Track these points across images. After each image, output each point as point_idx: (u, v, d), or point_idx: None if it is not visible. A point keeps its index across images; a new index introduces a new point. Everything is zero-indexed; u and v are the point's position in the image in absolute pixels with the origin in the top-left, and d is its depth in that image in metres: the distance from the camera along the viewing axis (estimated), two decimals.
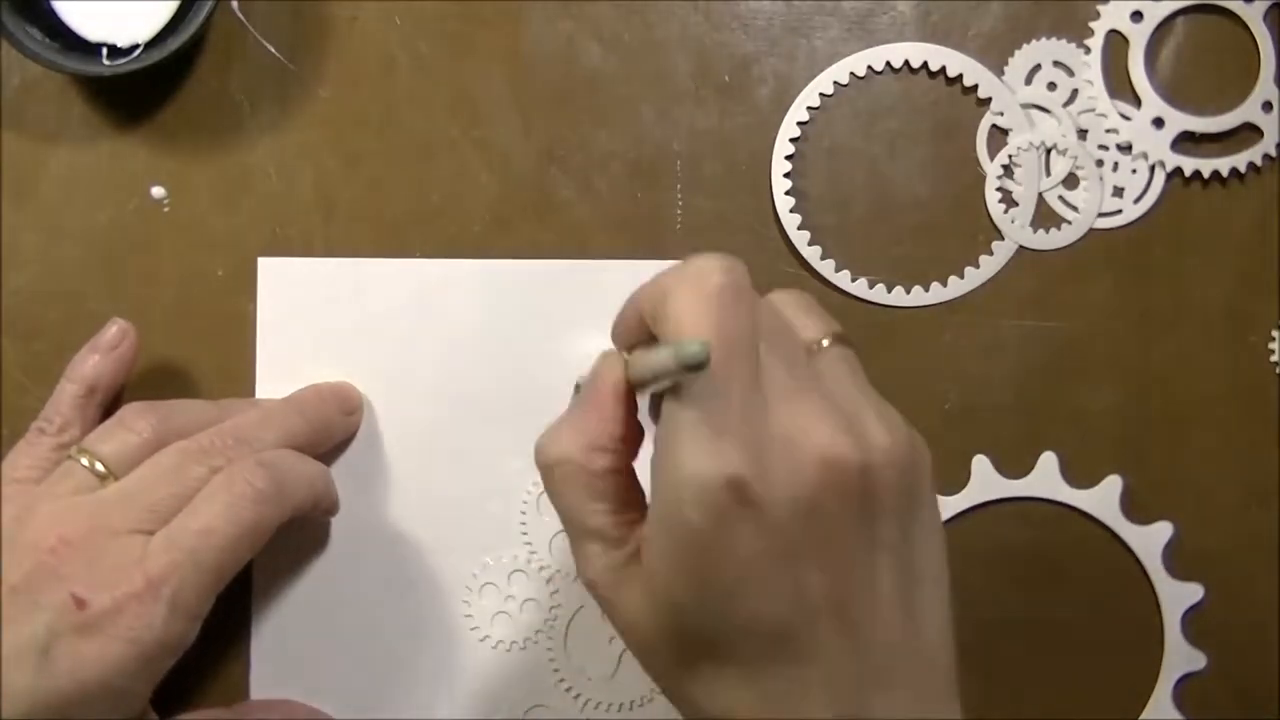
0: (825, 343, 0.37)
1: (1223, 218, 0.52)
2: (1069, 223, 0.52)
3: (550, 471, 0.37)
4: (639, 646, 0.37)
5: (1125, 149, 0.52)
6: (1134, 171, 0.52)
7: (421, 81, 0.51)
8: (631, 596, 0.36)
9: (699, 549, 0.33)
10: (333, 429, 0.49)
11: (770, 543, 0.33)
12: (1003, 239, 0.52)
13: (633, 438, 0.37)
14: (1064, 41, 0.52)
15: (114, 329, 0.48)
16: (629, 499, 0.37)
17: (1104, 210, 0.52)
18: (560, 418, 0.37)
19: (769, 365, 0.35)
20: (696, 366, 0.32)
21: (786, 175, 0.51)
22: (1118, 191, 0.52)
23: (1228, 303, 0.52)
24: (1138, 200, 0.52)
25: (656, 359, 0.34)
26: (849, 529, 0.34)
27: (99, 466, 0.44)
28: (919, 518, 0.36)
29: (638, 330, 0.37)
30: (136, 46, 0.48)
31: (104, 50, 0.48)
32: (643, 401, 0.37)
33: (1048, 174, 0.52)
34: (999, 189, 0.52)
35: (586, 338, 0.51)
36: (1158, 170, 0.52)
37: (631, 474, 0.37)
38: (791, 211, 0.51)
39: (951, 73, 0.52)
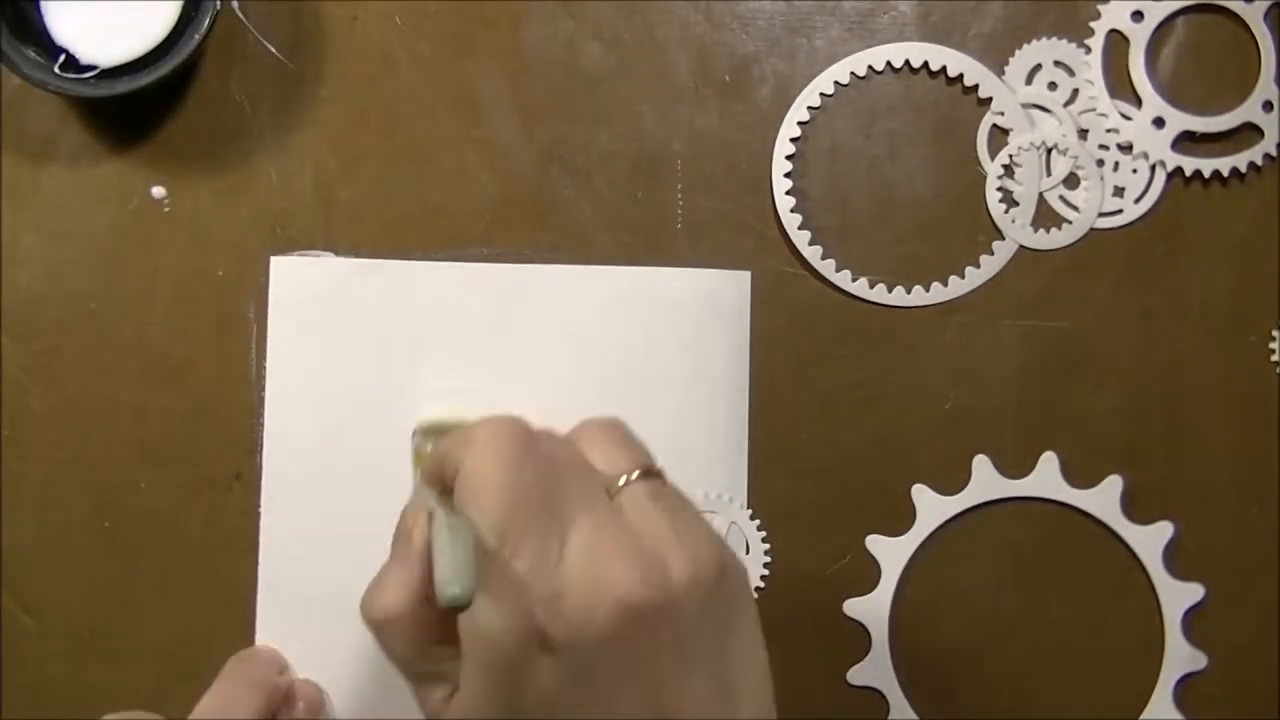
0: (634, 475, 0.37)
1: (1223, 218, 0.52)
2: (1069, 222, 0.52)
3: (381, 630, 0.38)
4: None
5: (1126, 149, 0.52)
6: (1134, 171, 0.52)
7: (421, 81, 0.51)
8: None
9: (506, 695, 0.35)
10: (279, 692, 0.49)
11: (575, 679, 0.35)
12: (1003, 239, 0.52)
13: None
14: (1064, 41, 0.52)
15: None
16: (455, 639, 0.38)
17: (1104, 210, 0.52)
18: (381, 573, 0.39)
19: (570, 510, 0.36)
20: (456, 609, 0.35)
21: (787, 175, 0.51)
22: (1118, 191, 0.52)
23: (1228, 303, 0.52)
24: (1138, 200, 0.52)
25: (434, 556, 0.36)
26: (657, 658, 0.35)
27: None
28: (734, 633, 0.37)
29: (441, 478, 0.38)
30: (130, 64, 0.48)
31: (97, 69, 0.48)
32: None
33: (1048, 174, 0.52)
34: (999, 189, 0.52)
35: (593, 340, 0.51)
36: (1158, 170, 0.52)
37: None
38: (792, 211, 0.51)
39: (952, 73, 0.52)
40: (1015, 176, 0.52)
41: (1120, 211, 0.52)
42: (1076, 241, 0.52)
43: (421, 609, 0.37)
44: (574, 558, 0.35)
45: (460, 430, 0.37)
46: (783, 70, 0.52)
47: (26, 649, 0.50)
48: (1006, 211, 0.52)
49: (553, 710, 0.35)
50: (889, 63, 0.52)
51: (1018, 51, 0.52)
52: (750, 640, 0.38)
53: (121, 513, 0.50)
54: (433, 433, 0.48)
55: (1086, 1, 0.52)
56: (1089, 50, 0.52)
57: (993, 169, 0.52)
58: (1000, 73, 0.52)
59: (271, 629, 0.50)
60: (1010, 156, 0.52)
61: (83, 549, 0.50)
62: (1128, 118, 0.52)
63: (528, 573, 0.35)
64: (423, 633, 0.38)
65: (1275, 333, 0.52)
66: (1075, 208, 0.52)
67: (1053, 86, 0.52)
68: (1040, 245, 0.52)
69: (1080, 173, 0.52)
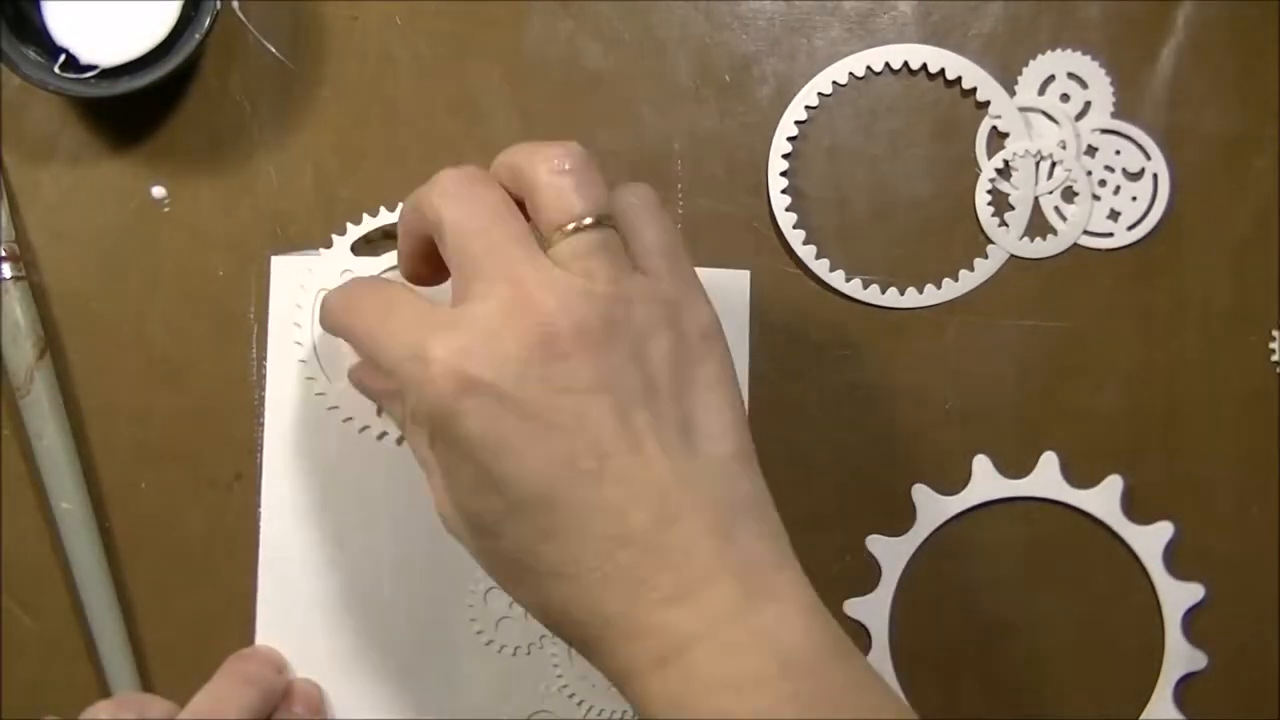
0: (573, 226, 0.37)
1: (1223, 218, 0.52)
2: (1055, 234, 0.52)
3: None
4: (470, 550, 0.39)
5: (1132, 175, 0.52)
6: (1134, 199, 0.52)
7: (421, 81, 0.51)
8: (445, 510, 0.39)
9: (446, 440, 0.37)
10: (276, 691, 0.48)
11: (502, 412, 0.36)
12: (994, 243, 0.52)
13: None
14: (1078, 54, 0.52)
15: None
16: None
17: (1096, 230, 0.52)
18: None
19: (473, 260, 0.37)
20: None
21: (784, 174, 0.51)
22: (1114, 214, 0.52)
23: (1228, 303, 0.52)
24: (1131, 228, 0.52)
25: None
26: (581, 382, 0.36)
27: None
28: (691, 367, 0.38)
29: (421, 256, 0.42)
30: (130, 64, 0.48)
31: (97, 69, 0.48)
32: None
33: (1049, 178, 0.52)
34: (989, 192, 0.52)
35: None
36: (1157, 203, 0.51)
37: None
38: (788, 210, 0.51)
39: (951, 75, 0.52)
40: (1012, 181, 0.52)
41: (1111, 235, 0.52)
42: (1060, 254, 0.52)
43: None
44: (475, 298, 0.37)
45: (423, 192, 0.39)
46: (783, 70, 0.52)
47: (26, 649, 0.50)
48: (994, 215, 0.52)
49: (492, 459, 0.36)
50: (888, 64, 0.52)
51: (1032, 62, 0.52)
52: (719, 387, 0.38)
53: (121, 513, 0.50)
54: None
55: (1086, 1, 0.52)
56: (1102, 66, 0.52)
57: (984, 173, 0.52)
58: (1004, 75, 0.52)
59: (271, 629, 0.50)
60: (1005, 161, 0.52)
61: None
62: (1133, 139, 0.51)
63: (424, 330, 0.36)
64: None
65: (1275, 333, 0.52)
66: (1066, 220, 0.52)
67: (1065, 98, 0.52)
68: (1026, 254, 0.52)
69: (1074, 185, 0.52)
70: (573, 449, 0.36)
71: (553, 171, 0.38)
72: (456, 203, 0.38)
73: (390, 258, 0.50)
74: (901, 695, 0.37)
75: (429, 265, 0.41)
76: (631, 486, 0.36)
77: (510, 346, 0.36)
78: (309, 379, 0.50)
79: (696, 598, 0.35)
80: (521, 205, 0.39)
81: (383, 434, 0.49)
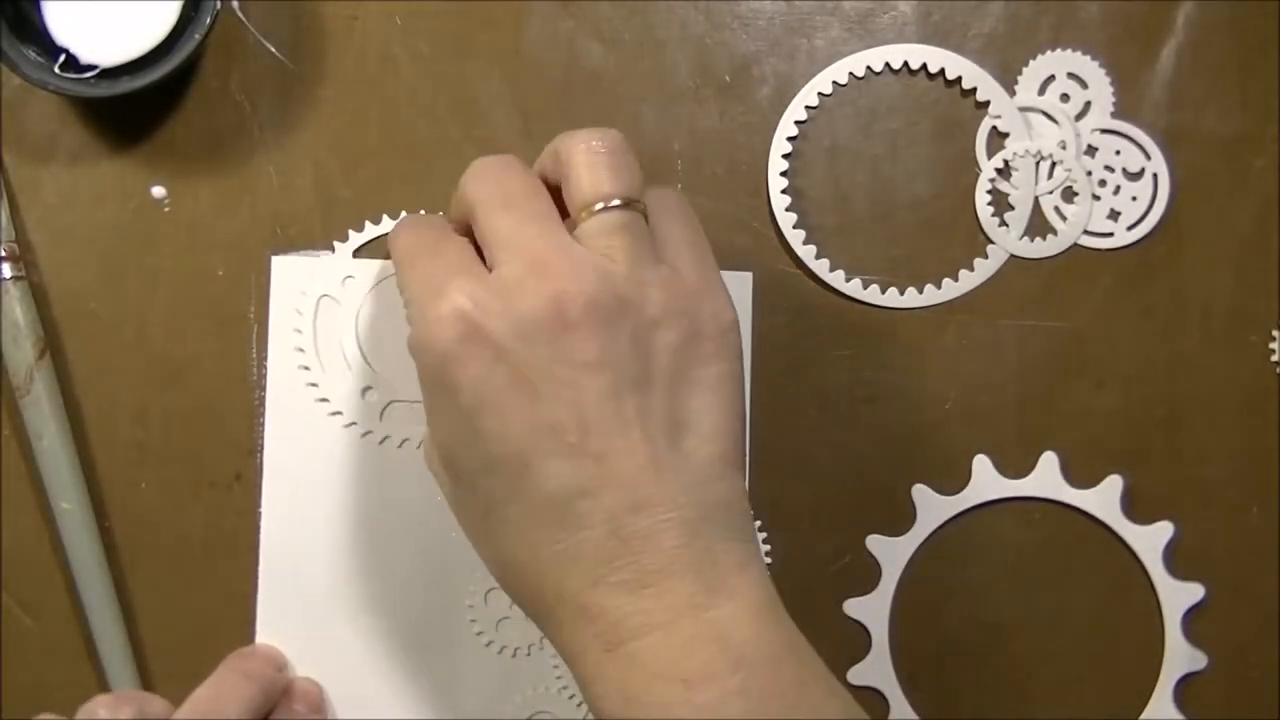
0: (600, 207, 0.38)
1: (1223, 218, 0.52)
2: (1055, 234, 0.52)
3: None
4: (449, 498, 0.41)
5: (1132, 175, 0.52)
6: (1134, 199, 0.52)
7: (421, 81, 0.51)
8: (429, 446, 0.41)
9: (440, 384, 0.37)
10: (276, 688, 0.48)
11: (498, 369, 0.36)
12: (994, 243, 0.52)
13: None
14: (1078, 54, 0.52)
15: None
16: None
17: (1096, 230, 0.52)
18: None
19: (497, 233, 0.38)
20: None
21: (784, 174, 0.51)
22: (1114, 214, 0.52)
23: (1228, 303, 0.52)
24: (1131, 228, 0.52)
25: None
26: (585, 358, 0.36)
27: None
28: (697, 379, 0.38)
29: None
30: (130, 64, 0.48)
31: (97, 69, 0.48)
32: None
33: (1049, 178, 0.52)
34: (989, 192, 0.52)
35: None
36: (1157, 203, 0.51)
37: None
38: (787, 210, 0.51)
39: (951, 75, 0.52)
40: (1012, 181, 0.52)
41: (1111, 235, 0.52)
42: (1059, 254, 0.52)
43: None
44: (501, 261, 0.38)
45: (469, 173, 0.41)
46: (783, 70, 0.52)
47: (26, 649, 0.50)
48: (994, 215, 0.52)
49: (477, 409, 0.37)
50: (888, 64, 0.52)
51: (1032, 61, 0.52)
52: (720, 388, 0.38)
53: (121, 513, 0.50)
54: None
55: (1086, 1, 0.52)
56: (1102, 67, 0.52)
57: (984, 173, 0.52)
58: (1002, 74, 0.52)
59: (271, 629, 0.50)
60: (1005, 161, 0.52)
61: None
62: (1133, 140, 0.51)
63: (452, 275, 0.37)
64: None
65: (1275, 333, 0.52)
66: (1066, 220, 0.52)
67: (1065, 98, 0.52)
68: (1027, 254, 0.52)
69: (1075, 185, 0.52)
70: (558, 419, 0.36)
71: (589, 151, 0.39)
72: (485, 183, 0.39)
73: (391, 264, 0.50)
74: (851, 697, 0.38)
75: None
76: (607, 467, 0.36)
77: (521, 306, 0.36)
78: (311, 385, 0.50)
79: (654, 588, 0.36)
80: (558, 194, 0.40)
81: (385, 438, 0.49)
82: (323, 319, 0.50)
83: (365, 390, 0.50)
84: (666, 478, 0.37)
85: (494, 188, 0.39)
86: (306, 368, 0.50)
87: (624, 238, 0.38)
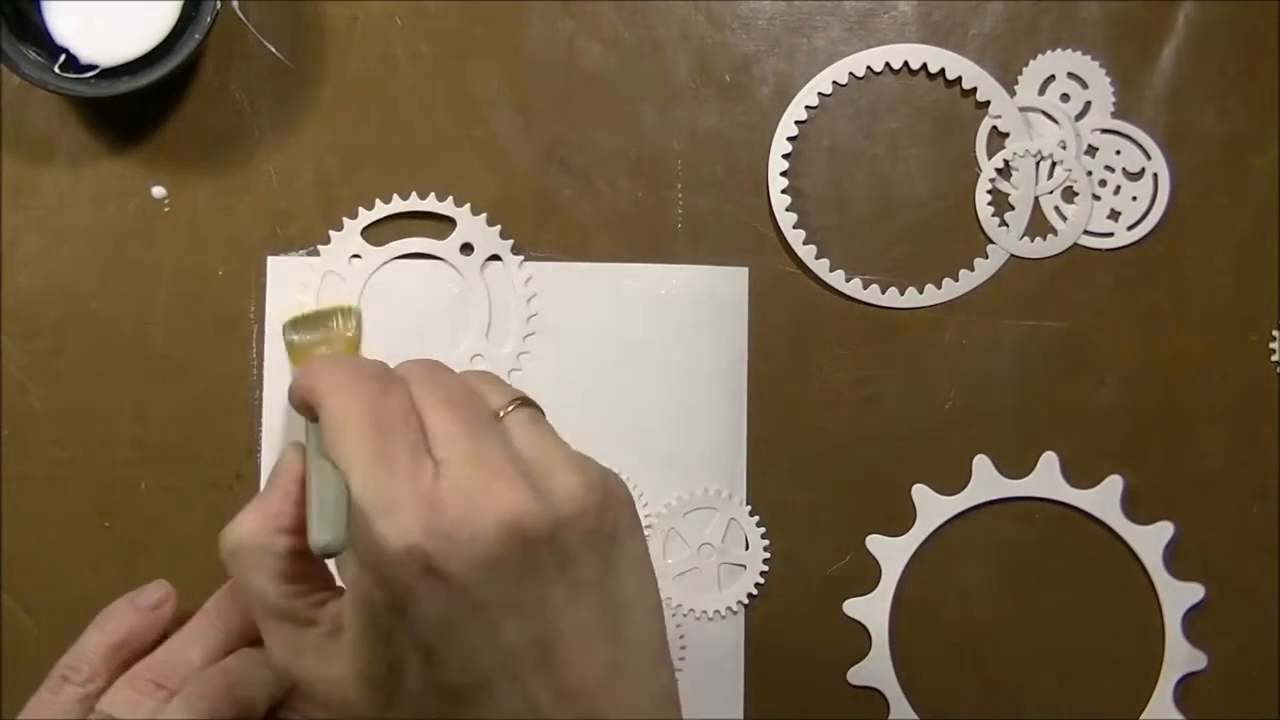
0: (510, 408, 0.37)
1: (1223, 218, 0.52)
2: (1055, 234, 0.52)
3: (235, 557, 0.38)
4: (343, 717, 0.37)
5: (1132, 175, 0.52)
6: (1134, 199, 0.52)
7: (421, 81, 0.51)
8: (333, 672, 0.37)
9: (391, 620, 0.34)
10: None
11: (460, 603, 0.34)
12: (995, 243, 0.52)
13: None
14: (1078, 54, 0.52)
15: (157, 593, 0.47)
16: (315, 581, 0.37)
17: (1096, 230, 0.52)
18: (247, 505, 0.38)
19: (446, 434, 0.35)
20: (328, 555, 0.34)
21: (784, 174, 0.51)
22: (1114, 214, 0.52)
23: (1228, 303, 0.52)
24: (1131, 228, 0.52)
25: (308, 512, 0.36)
26: (543, 578, 0.35)
27: None
28: (621, 551, 0.36)
29: (305, 407, 0.38)
30: (130, 64, 0.48)
31: (97, 69, 0.48)
32: None
33: (1049, 178, 0.52)
34: (989, 192, 0.52)
35: (590, 336, 0.51)
36: (1157, 203, 0.51)
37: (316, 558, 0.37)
38: (788, 210, 0.51)
39: (951, 75, 0.52)
40: (1012, 181, 0.52)
41: (1111, 235, 0.52)
42: (1059, 254, 0.52)
43: (277, 539, 0.37)
44: (455, 473, 0.34)
45: (309, 374, 0.37)
46: (783, 70, 0.52)
47: (26, 649, 0.50)
48: (994, 215, 0.52)
49: (438, 641, 0.34)
50: (888, 64, 0.52)
51: (1032, 61, 0.52)
52: (638, 569, 0.37)
53: (121, 513, 0.50)
54: (302, 324, 0.49)
55: (1086, 1, 0.52)
56: (1103, 67, 0.52)
57: (984, 173, 0.52)
58: (1002, 74, 0.52)
59: None
60: (1005, 161, 0.52)
61: (83, 549, 0.50)
62: (1134, 140, 0.51)
63: (407, 493, 0.34)
64: (276, 564, 0.37)
65: (1275, 332, 0.52)
66: (1066, 220, 0.52)
67: (1065, 98, 0.52)
68: (1027, 254, 0.52)
69: (1075, 185, 0.52)
70: (523, 640, 0.35)
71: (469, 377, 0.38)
72: (419, 378, 0.38)
73: (398, 246, 0.50)
74: None
75: None
76: (567, 680, 0.35)
77: (478, 540, 0.34)
78: None
79: None
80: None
81: None
82: (326, 295, 0.50)
83: None
84: (620, 681, 0.36)
85: (431, 381, 0.37)
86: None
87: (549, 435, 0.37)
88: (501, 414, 0.37)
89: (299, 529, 0.37)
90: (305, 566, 0.37)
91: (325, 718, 0.42)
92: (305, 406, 0.38)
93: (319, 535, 0.34)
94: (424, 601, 0.34)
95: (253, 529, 0.37)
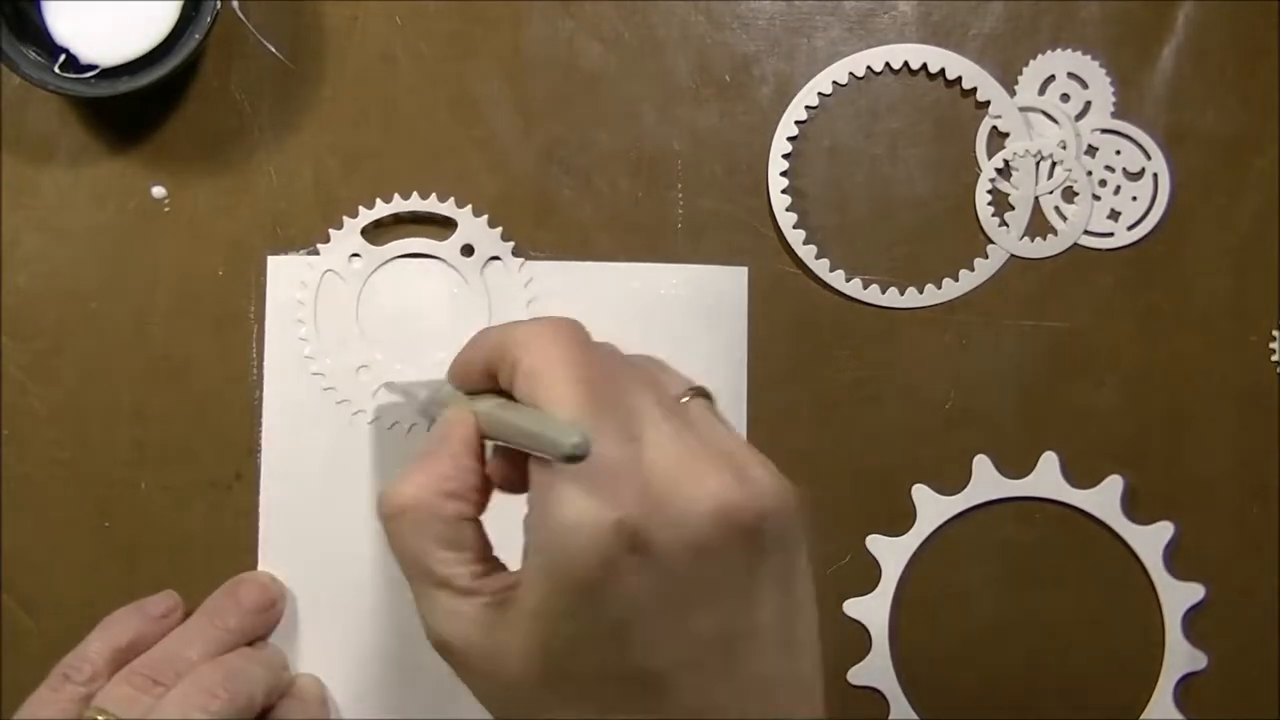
0: (687, 397, 0.37)
1: (1223, 218, 0.52)
2: (1055, 234, 0.52)
3: (399, 518, 0.36)
4: (500, 694, 0.36)
5: (1132, 175, 0.52)
6: (1134, 199, 0.52)
7: (421, 81, 0.51)
8: (496, 643, 0.35)
9: (588, 594, 0.33)
10: (244, 629, 0.48)
11: (660, 587, 0.33)
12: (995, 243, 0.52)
13: (485, 489, 0.37)
14: (1078, 54, 0.52)
15: (165, 602, 0.47)
16: (479, 550, 0.36)
17: (1096, 230, 0.52)
18: (409, 466, 0.36)
19: (645, 412, 0.34)
20: (577, 458, 0.31)
21: (784, 174, 0.51)
22: (1114, 214, 0.52)
23: (1228, 303, 0.52)
24: (1131, 228, 0.52)
25: (523, 427, 0.34)
26: (740, 568, 0.34)
27: None
28: (799, 553, 0.36)
29: (481, 377, 0.37)
30: (130, 64, 0.48)
31: (97, 69, 0.48)
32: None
33: (1049, 178, 0.52)
34: (989, 192, 0.52)
35: (596, 336, 0.50)
36: (1157, 204, 0.51)
37: (480, 525, 0.36)
38: (788, 210, 0.51)
39: (951, 75, 0.52)
40: (1012, 181, 0.52)
41: (1111, 235, 0.52)
42: (1059, 254, 0.52)
43: (447, 503, 0.36)
44: (660, 456, 0.33)
45: (511, 328, 0.36)
46: (783, 70, 0.52)
47: (26, 649, 0.50)
48: (994, 215, 0.52)
49: (629, 622, 0.33)
50: (888, 64, 0.52)
51: (1032, 61, 0.52)
52: (807, 574, 0.36)
53: (121, 513, 0.50)
54: (397, 390, 0.49)
55: (1086, 1, 0.52)
56: (1103, 67, 0.52)
57: (984, 173, 0.52)
58: (1002, 74, 0.52)
59: (275, 630, 0.50)
60: (1005, 161, 0.52)
61: (83, 549, 0.50)
62: (1134, 140, 0.51)
63: (618, 463, 0.32)
64: (443, 529, 0.35)
65: (1275, 333, 0.52)
66: (1067, 220, 0.52)
67: (1065, 98, 0.52)
68: (1027, 254, 0.52)
69: (1075, 185, 0.52)
70: (713, 631, 0.34)
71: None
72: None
73: (396, 245, 0.50)
74: None
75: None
76: (743, 677, 0.34)
77: (688, 519, 0.33)
78: (307, 358, 0.50)
79: None
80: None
81: (375, 419, 0.50)
82: (325, 293, 0.50)
83: (359, 369, 0.50)
84: (787, 681, 0.35)
85: (625, 359, 0.37)
86: (304, 339, 0.50)
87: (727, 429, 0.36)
88: (685, 398, 0.36)
89: (466, 494, 0.36)
90: (469, 533, 0.36)
91: (478, 687, 0.38)
92: (484, 373, 0.37)
93: (565, 436, 0.31)
94: (624, 579, 0.32)
95: (418, 492, 0.36)
